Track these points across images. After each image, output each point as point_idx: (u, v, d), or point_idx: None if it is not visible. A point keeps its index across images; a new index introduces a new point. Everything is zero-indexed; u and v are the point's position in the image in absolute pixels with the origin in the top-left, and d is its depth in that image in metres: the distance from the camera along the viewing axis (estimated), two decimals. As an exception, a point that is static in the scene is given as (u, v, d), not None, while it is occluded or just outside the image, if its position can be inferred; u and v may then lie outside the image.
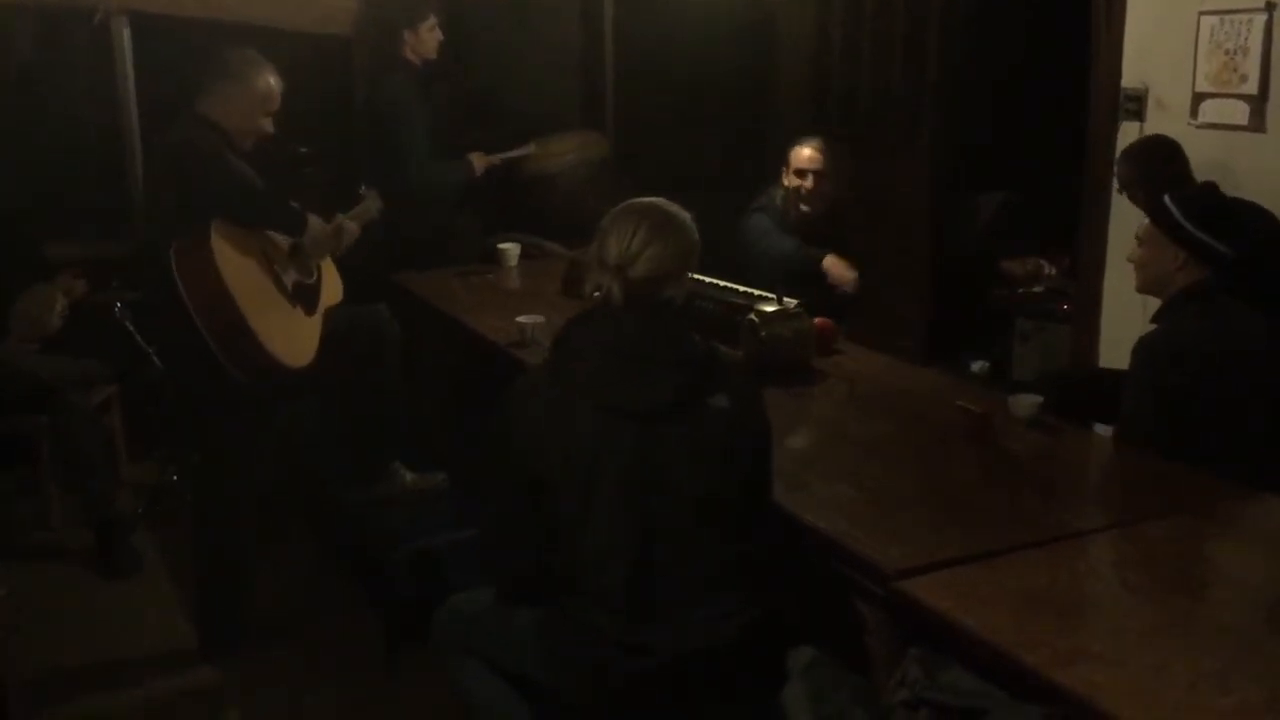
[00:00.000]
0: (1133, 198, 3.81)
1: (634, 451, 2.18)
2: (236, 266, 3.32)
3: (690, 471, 2.20)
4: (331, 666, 3.43)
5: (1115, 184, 4.02)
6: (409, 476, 3.92)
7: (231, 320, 3.25)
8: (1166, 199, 3.01)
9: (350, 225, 3.86)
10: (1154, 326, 3.01)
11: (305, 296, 3.65)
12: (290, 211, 3.59)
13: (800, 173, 4.78)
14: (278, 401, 3.57)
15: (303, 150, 4.77)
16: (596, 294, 2.31)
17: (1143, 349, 2.94)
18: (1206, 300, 2.92)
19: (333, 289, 3.84)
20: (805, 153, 4.79)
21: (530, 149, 5.17)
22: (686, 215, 2.37)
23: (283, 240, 3.61)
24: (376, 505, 3.83)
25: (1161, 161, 3.72)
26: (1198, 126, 4.03)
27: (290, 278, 3.59)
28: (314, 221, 3.64)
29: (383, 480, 3.89)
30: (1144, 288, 3.12)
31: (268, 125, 3.61)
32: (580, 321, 2.31)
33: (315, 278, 3.73)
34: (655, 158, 5.49)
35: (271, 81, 3.59)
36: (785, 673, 2.17)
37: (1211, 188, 3.21)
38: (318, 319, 3.69)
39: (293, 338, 3.50)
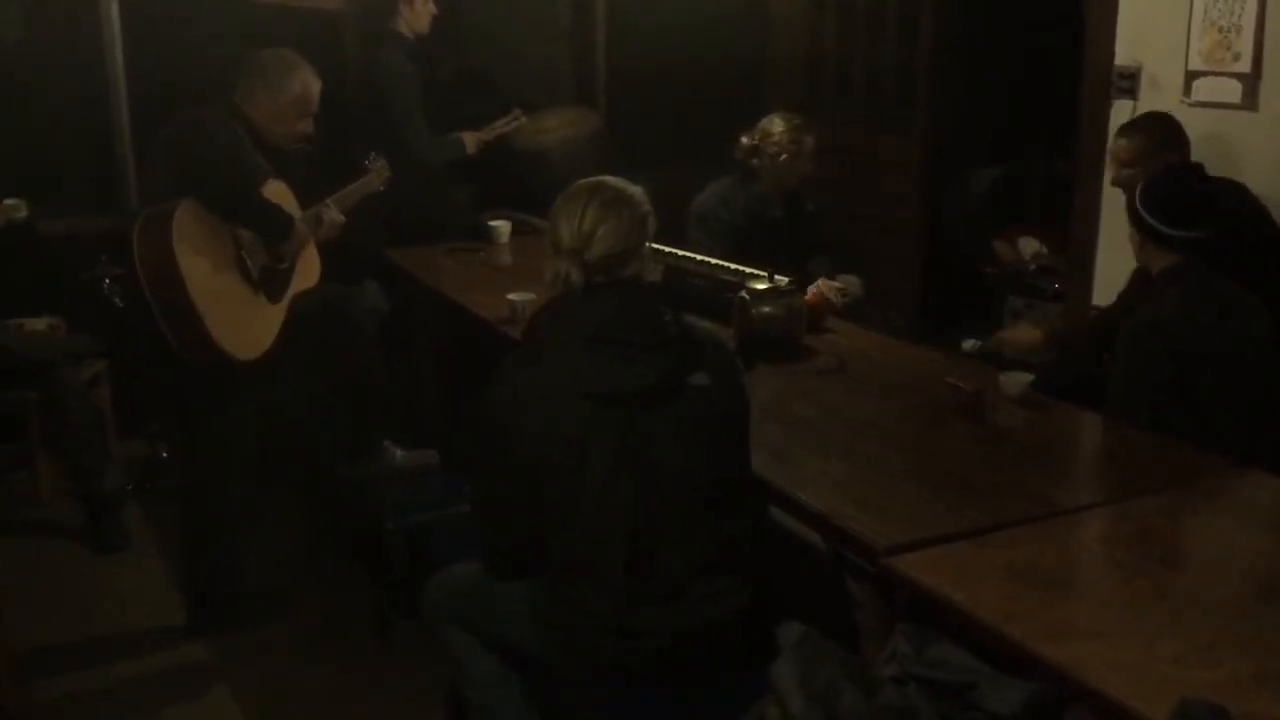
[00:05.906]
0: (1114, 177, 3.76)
1: (621, 436, 2.16)
2: (195, 246, 3.26)
3: (678, 452, 2.19)
4: (322, 643, 3.43)
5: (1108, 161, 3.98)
6: (400, 453, 3.91)
7: (181, 303, 3.20)
8: (1142, 184, 3.03)
9: (332, 215, 3.79)
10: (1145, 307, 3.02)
11: (272, 283, 3.59)
12: (277, 224, 3.51)
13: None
14: (249, 381, 3.51)
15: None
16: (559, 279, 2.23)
17: (1129, 330, 2.95)
18: (1187, 280, 2.92)
19: (307, 273, 3.75)
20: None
21: (520, 119, 5.14)
22: (636, 188, 2.33)
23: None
24: (368, 482, 3.82)
25: (1152, 147, 3.66)
26: (1190, 105, 4.01)
27: (259, 262, 3.52)
28: (298, 233, 3.58)
29: (374, 457, 3.88)
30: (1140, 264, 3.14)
31: (304, 127, 3.59)
32: (549, 310, 2.26)
33: (287, 264, 3.65)
34: (647, 134, 5.47)
35: (307, 84, 3.55)
36: (775, 648, 2.17)
37: (1183, 173, 3.19)
38: (282, 306, 3.62)
39: (245, 328, 3.43)
